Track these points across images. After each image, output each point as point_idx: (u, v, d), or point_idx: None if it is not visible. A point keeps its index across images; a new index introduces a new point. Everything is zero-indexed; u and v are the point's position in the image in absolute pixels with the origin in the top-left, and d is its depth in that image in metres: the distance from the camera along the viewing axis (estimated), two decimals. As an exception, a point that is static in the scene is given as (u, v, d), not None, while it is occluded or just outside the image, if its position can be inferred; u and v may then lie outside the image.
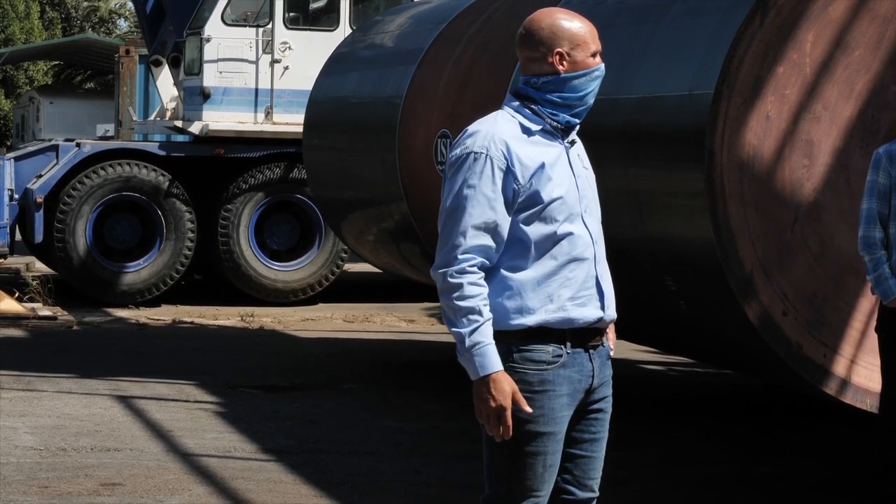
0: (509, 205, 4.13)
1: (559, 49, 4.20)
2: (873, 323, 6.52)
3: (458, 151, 4.19)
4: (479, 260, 4.10)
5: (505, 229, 4.13)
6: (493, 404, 4.05)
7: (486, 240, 4.11)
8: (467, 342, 4.05)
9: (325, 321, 14.77)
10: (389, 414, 9.40)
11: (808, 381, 7.11)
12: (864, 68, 7.14)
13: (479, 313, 4.06)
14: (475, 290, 4.07)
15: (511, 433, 4.08)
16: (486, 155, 4.13)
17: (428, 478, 7.55)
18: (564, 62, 4.21)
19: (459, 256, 4.08)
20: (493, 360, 4.05)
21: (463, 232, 4.09)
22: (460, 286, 4.06)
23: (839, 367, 7.11)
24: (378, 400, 9.99)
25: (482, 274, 4.10)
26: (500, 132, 4.17)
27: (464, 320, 4.05)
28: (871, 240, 6.23)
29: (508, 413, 4.06)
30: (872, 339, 6.65)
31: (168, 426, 8.82)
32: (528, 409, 4.10)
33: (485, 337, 4.06)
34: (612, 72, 7.83)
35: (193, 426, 8.86)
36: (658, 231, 7.58)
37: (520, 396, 4.08)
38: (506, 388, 4.05)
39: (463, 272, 4.07)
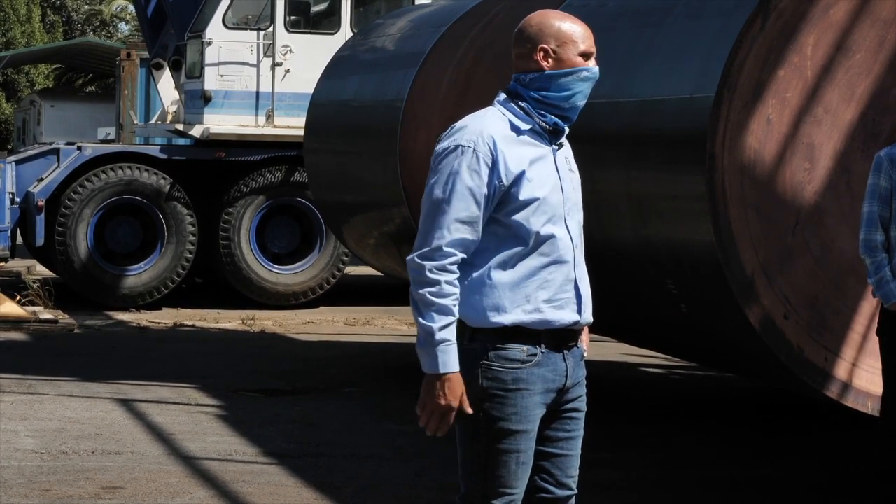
0: (491, 200, 4.14)
1: (543, 45, 4.20)
2: (875, 326, 6.52)
3: (445, 144, 4.22)
4: (460, 256, 4.12)
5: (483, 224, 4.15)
6: (443, 402, 4.10)
7: (468, 233, 4.12)
8: (436, 337, 4.07)
9: (327, 324, 14.77)
10: (391, 417, 9.39)
11: (809, 385, 7.11)
12: (865, 71, 7.14)
13: (451, 313, 4.10)
14: (451, 290, 4.10)
15: (446, 432, 4.16)
16: (473, 149, 4.15)
17: (429, 481, 7.54)
18: (549, 59, 4.21)
19: (443, 250, 4.10)
20: (454, 360, 4.10)
21: (447, 226, 4.11)
22: (438, 283, 4.09)
23: (840, 371, 7.10)
24: (379, 403, 9.99)
25: (458, 274, 4.12)
26: (488, 128, 4.18)
27: (434, 315, 4.08)
28: (872, 243, 6.23)
29: (453, 414, 4.12)
30: (874, 343, 6.64)
31: (169, 429, 8.82)
32: (470, 411, 4.14)
33: (451, 335, 4.10)
34: (613, 75, 7.87)
35: (194, 429, 8.86)
36: (659, 234, 7.58)
37: (465, 400, 4.12)
38: (458, 389, 4.11)
39: (444, 269, 4.10)
